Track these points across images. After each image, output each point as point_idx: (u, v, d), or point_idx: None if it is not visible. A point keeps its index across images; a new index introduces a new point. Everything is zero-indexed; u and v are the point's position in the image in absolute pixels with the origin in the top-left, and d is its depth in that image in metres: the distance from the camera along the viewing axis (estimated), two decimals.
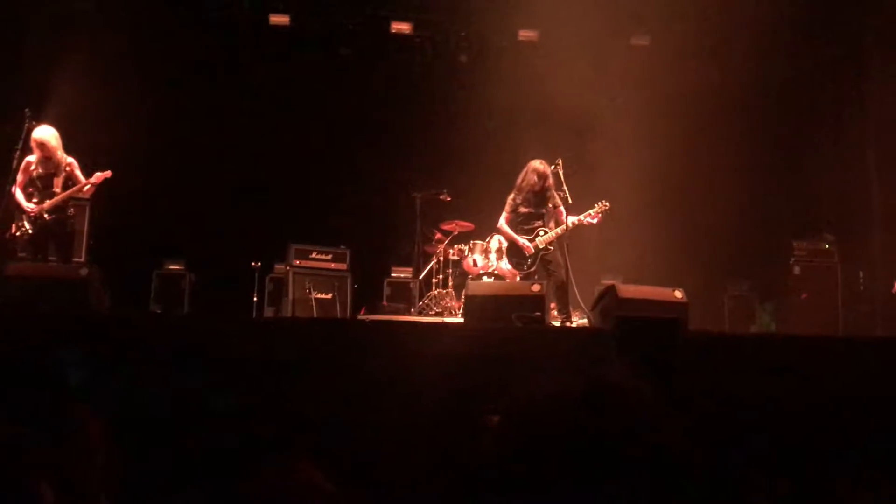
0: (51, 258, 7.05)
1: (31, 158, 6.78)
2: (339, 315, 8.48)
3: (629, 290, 6.25)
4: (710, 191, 9.87)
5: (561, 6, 10.01)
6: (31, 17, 9.21)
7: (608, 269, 9.76)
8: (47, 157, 6.76)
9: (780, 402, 4.95)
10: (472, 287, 6.44)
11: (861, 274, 10.10)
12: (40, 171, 6.81)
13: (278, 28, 10.21)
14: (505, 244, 7.95)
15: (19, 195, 6.78)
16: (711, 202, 9.81)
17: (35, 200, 6.82)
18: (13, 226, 6.82)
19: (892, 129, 9.54)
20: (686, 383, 4.97)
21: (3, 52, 8.99)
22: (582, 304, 7.30)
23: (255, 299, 8.71)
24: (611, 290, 6.24)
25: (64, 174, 6.87)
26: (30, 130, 6.62)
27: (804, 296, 9.12)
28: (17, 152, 6.56)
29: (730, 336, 6.00)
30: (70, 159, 6.93)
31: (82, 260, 7.88)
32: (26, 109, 6.69)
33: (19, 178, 6.82)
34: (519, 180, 7.45)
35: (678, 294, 6.23)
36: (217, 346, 5.31)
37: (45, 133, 6.74)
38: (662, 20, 10.35)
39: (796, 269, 9.18)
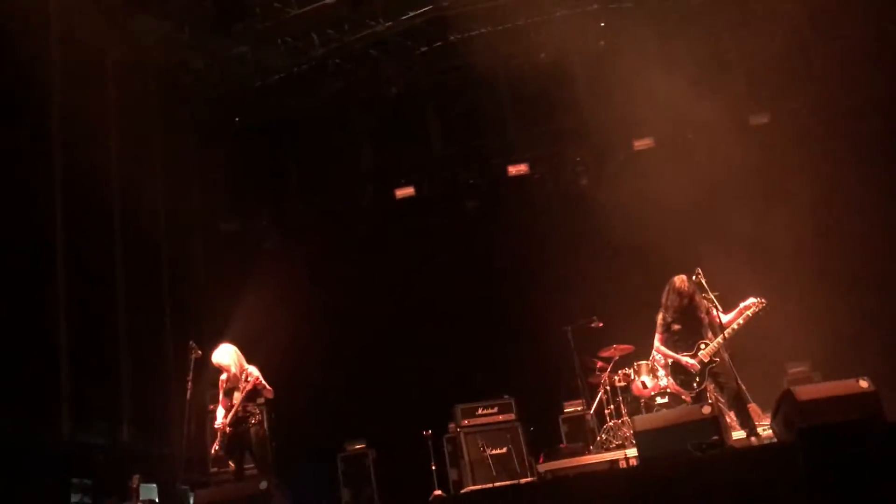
0: (248, 466, 7.42)
1: (223, 377, 7.28)
2: (517, 467, 8.34)
3: (808, 391, 5.82)
4: (880, 253, 9.25)
5: (669, 107, 10.03)
6: (187, 248, 10.23)
7: (794, 357, 9.18)
8: (228, 374, 7.23)
9: None
10: (640, 422, 6.18)
11: None
12: (227, 387, 7.27)
13: (405, 201, 10.77)
14: (670, 360, 7.66)
15: (219, 413, 7.26)
16: (885, 266, 9.18)
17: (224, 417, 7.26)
18: (213, 444, 7.27)
19: None
20: (888, 483, 4.52)
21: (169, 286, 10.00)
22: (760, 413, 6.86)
23: (433, 467, 8.74)
24: (788, 394, 5.84)
25: (244, 385, 7.19)
26: (196, 359, 7.17)
27: None
28: (189, 382, 7.08)
29: None
30: (251, 369, 7.22)
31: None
32: (191, 342, 7.29)
33: (219, 396, 7.32)
34: (664, 299, 7.26)
35: (864, 384, 5.71)
36: None
37: (217, 354, 7.26)
38: (778, 94, 10.12)
39: None
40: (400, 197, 10.79)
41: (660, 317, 7.29)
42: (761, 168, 9.79)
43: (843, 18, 9.37)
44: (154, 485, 8.19)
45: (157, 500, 7.47)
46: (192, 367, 7.16)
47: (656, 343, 7.37)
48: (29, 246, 7.93)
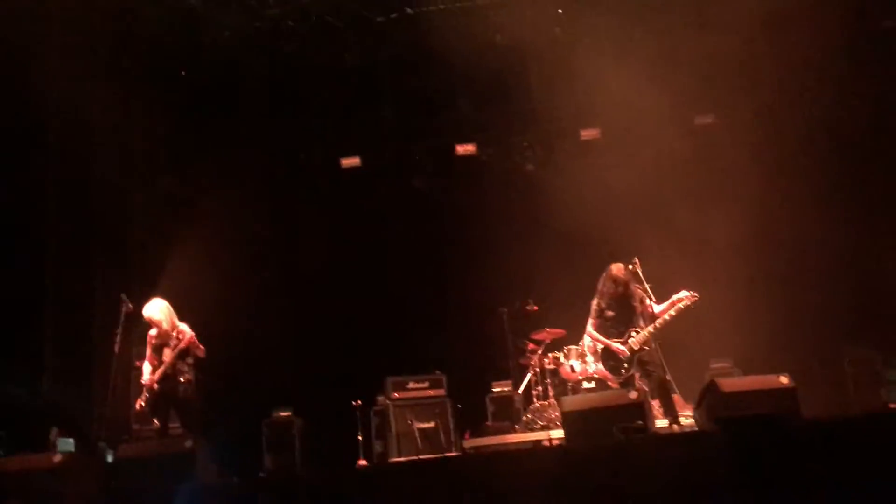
0: (173, 425, 7.31)
1: (152, 332, 7.13)
2: (443, 442, 8.43)
3: (732, 384, 6.03)
4: (810, 256, 9.59)
5: (619, 100, 10.15)
6: (124, 202, 9.96)
7: (717, 352, 9.46)
8: (159, 330, 7.10)
9: None
10: (567, 403, 6.31)
11: None
12: (156, 342, 7.14)
13: (350, 170, 10.68)
14: (600, 346, 7.81)
15: (144, 368, 7.12)
16: (814, 268, 9.53)
17: (151, 373, 7.13)
18: (137, 400, 7.13)
19: None
20: (803, 475, 4.71)
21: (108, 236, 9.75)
22: (684, 404, 7.07)
23: (360, 438, 8.75)
24: (713, 386, 6.03)
25: (174, 342, 7.08)
26: (127, 313, 7.02)
27: None
28: (117, 336, 6.93)
29: (846, 418, 5.65)
30: (183, 327, 7.14)
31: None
32: (122, 294, 7.13)
33: (147, 352, 7.17)
34: (599, 285, 7.40)
35: (784, 380, 5.95)
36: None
37: (149, 308, 7.12)
38: (724, 96, 10.34)
39: None
40: (345, 166, 10.70)
41: (594, 303, 7.43)
42: (703, 167, 10.00)
43: (796, 31, 9.61)
44: (71, 439, 8.01)
45: (76, 453, 7.30)
46: (122, 320, 7.02)
47: (588, 328, 7.51)
48: None
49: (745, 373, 8.87)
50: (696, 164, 9.94)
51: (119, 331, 7.01)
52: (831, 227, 9.61)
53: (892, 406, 8.71)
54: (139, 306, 7.17)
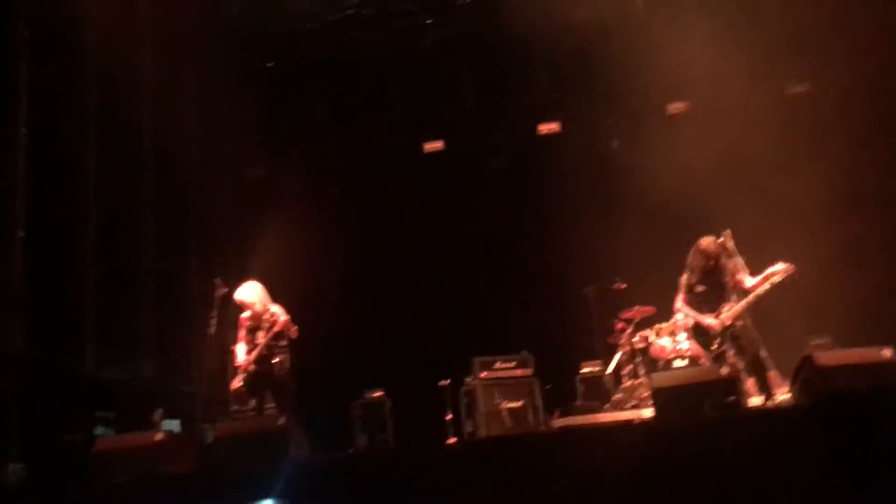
0: (268, 406, 7.53)
1: (244, 315, 7.34)
2: (531, 421, 8.40)
3: (829, 358, 5.77)
4: None
5: (705, 71, 9.88)
6: (215, 188, 10.31)
7: (817, 329, 9.10)
8: (252, 312, 7.29)
9: None
10: (658, 379, 6.18)
11: None
12: (249, 325, 7.34)
13: (434, 154, 10.75)
14: (691, 322, 7.63)
15: (238, 350, 7.34)
16: None
17: (246, 355, 7.34)
18: (233, 382, 7.37)
19: None
20: None
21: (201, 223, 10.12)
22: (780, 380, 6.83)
23: (448, 417, 8.82)
24: (808, 360, 5.80)
25: (268, 324, 7.24)
26: (222, 297, 7.25)
27: None
28: (213, 319, 7.16)
29: None
30: (275, 309, 7.26)
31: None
32: (216, 279, 7.36)
33: (239, 334, 7.39)
34: (689, 260, 7.22)
35: (886, 353, 5.64)
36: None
37: (241, 291, 7.31)
38: (819, 63, 9.92)
39: None
40: (428, 150, 10.77)
41: (684, 278, 7.26)
42: (794, 137, 9.61)
43: None
44: (177, 420, 8.35)
45: (177, 433, 7.62)
46: (216, 304, 7.24)
47: (678, 304, 7.34)
48: (60, 178, 8.03)
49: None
50: (787, 135, 9.55)
51: (214, 314, 7.23)
52: None
53: None
54: (233, 290, 7.39)
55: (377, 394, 9.52)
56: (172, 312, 9.44)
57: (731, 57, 9.49)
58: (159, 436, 5.94)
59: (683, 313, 7.40)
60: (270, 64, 10.54)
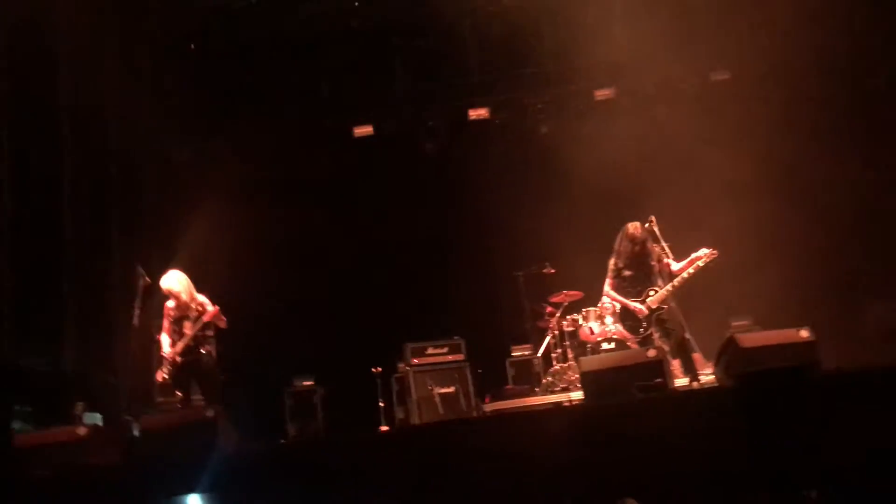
0: (195, 397, 7.38)
1: (170, 304, 7.17)
2: (464, 406, 8.47)
3: (751, 339, 5.96)
4: (830, 210, 9.47)
5: (631, 58, 10.03)
6: (138, 173, 10.00)
7: (737, 311, 9.38)
8: (177, 301, 7.12)
9: None
10: (586, 363, 6.30)
11: None
12: (175, 314, 7.18)
13: (364, 138, 10.63)
14: (618, 306, 7.78)
15: (163, 340, 7.17)
16: (834, 222, 9.41)
17: (171, 345, 7.18)
18: (158, 373, 7.19)
19: None
20: (825, 432, 4.69)
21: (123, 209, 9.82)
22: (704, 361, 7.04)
23: (381, 404, 8.81)
24: (731, 342, 5.98)
25: (195, 315, 7.11)
26: (145, 286, 7.07)
27: None
28: (135, 309, 6.98)
29: (868, 369, 5.59)
30: (202, 298, 7.17)
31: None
32: (138, 267, 7.16)
33: (164, 324, 7.21)
34: (616, 244, 7.36)
35: (804, 333, 5.84)
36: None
37: (167, 280, 7.14)
38: (741, 51, 10.17)
39: None
40: (358, 135, 10.64)
41: (611, 262, 7.39)
42: (718, 123, 9.83)
43: None
44: (98, 414, 8.10)
45: (101, 426, 7.39)
46: (139, 293, 7.06)
47: (606, 288, 7.48)
48: None
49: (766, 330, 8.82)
50: (711, 121, 9.77)
51: (137, 303, 7.05)
52: (851, 180, 9.49)
53: None
54: (156, 279, 7.20)
55: (307, 382, 9.44)
56: (93, 300, 9.12)
57: (656, 44, 9.63)
58: (83, 430, 5.75)
59: (611, 297, 7.54)
60: (194, 43, 10.19)
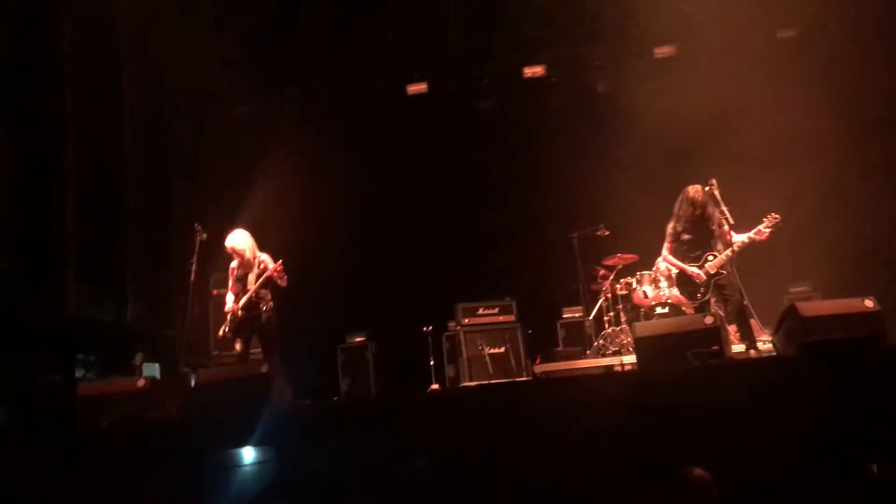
0: (254, 350, 7.52)
1: (234, 264, 7.30)
2: (514, 367, 8.47)
3: (812, 308, 5.78)
4: (890, 179, 9.14)
5: (695, 13, 9.71)
6: (200, 129, 10.11)
7: (797, 277, 9.17)
8: (241, 260, 7.24)
9: None
10: (640, 328, 6.19)
11: None
12: (239, 273, 7.31)
13: (418, 96, 10.54)
14: (674, 270, 7.64)
15: (228, 298, 7.31)
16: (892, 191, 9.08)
17: (235, 302, 7.31)
18: (222, 327, 7.34)
19: None
20: (886, 403, 4.55)
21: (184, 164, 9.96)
22: (762, 329, 6.88)
23: (431, 362, 8.86)
24: (792, 310, 5.81)
25: (258, 271, 7.19)
26: (201, 242, 7.17)
27: None
28: (193, 265, 7.09)
29: None
30: (264, 256, 7.24)
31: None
32: (196, 224, 7.26)
33: (229, 282, 7.36)
34: (676, 208, 7.18)
35: (869, 303, 5.64)
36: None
37: (232, 238, 7.25)
38: (810, 8, 9.78)
39: None
40: (412, 93, 10.56)
41: (670, 226, 7.23)
42: (784, 83, 9.49)
43: None
44: (157, 364, 8.32)
45: (158, 378, 7.59)
46: (196, 249, 7.17)
47: (664, 252, 7.33)
48: (37, 117, 7.84)
49: (825, 296, 8.59)
50: (776, 81, 9.44)
51: (194, 260, 7.16)
52: None
53: None
54: (213, 235, 7.30)
55: (359, 339, 9.54)
56: (153, 255, 9.32)
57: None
58: (142, 381, 5.91)
59: (668, 262, 7.40)
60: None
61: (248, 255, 7.19)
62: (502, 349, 8.58)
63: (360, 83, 10.66)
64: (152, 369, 8.15)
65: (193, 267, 7.11)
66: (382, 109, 10.76)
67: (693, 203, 7.01)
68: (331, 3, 10.36)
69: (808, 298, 8.56)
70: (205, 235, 7.23)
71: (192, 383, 6.27)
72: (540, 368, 8.52)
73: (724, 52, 10.07)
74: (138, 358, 8.10)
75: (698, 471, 3.90)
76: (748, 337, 6.85)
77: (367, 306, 9.98)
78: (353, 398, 8.63)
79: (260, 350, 7.38)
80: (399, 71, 10.61)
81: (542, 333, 9.47)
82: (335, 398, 8.56)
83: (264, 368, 5.75)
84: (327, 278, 9.99)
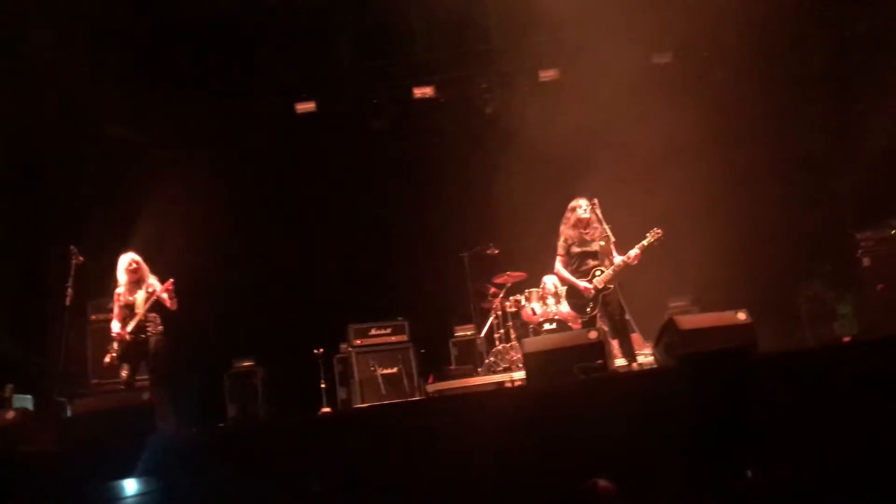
0: (140, 377, 7.23)
1: (119, 289, 7.06)
2: (406, 387, 8.47)
3: (690, 321, 6.08)
4: (763, 196, 9.70)
5: (577, 39, 10.03)
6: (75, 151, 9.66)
7: (676, 291, 9.57)
8: (131, 283, 7.01)
9: (862, 413, 4.73)
10: (529, 344, 6.34)
11: None
12: (126, 297, 7.06)
13: (306, 115, 10.42)
14: (561, 287, 7.83)
15: (114, 324, 7.02)
16: (765, 208, 9.64)
17: (121, 327, 7.03)
18: (107, 354, 7.03)
19: None
20: (762, 412, 4.79)
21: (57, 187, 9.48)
22: (642, 342, 7.14)
23: (322, 385, 8.74)
24: (671, 323, 6.07)
25: (146, 294, 7.02)
26: (77, 265, 6.88)
27: (880, 287, 8.76)
28: (69, 289, 6.79)
29: (803, 352, 5.76)
30: (152, 280, 7.11)
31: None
32: (71, 247, 6.96)
33: (115, 309, 7.09)
34: (563, 225, 7.38)
35: (741, 316, 6.00)
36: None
37: (122, 261, 7.01)
38: (682, 35, 10.29)
39: (865, 261, 8.87)
40: (300, 111, 10.43)
41: (560, 241, 7.41)
42: (660, 103, 9.90)
43: None
44: (29, 396, 7.87)
45: (31, 409, 7.18)
46: (72, 273, 6.86)
47: (557, 265, 7.49)
48: None
49: (704, 311, 9.01)
50: (654, 103, 9.85)
51: (70, 284, 6.85)
52: (788, 168, 9.74)
53: (845, 339, 8.95)
54: (90, 259, 7.01)
55: (247, 363, 9.32)
56: (23, 279, 8.82)
57: (599, 25, 9.64)
58: (10, 413, 5.58)
59: (560, 276, 7.56)
60: (135, 18, 9.80)
61: (134, 277, 7.00)
62: (395, 369, 8.58)
63: (246, 100, 10.41)
64: (24, 401, 7.70)
65: (69, 291, 6.79)
66: (271, 127, 10.56)
67: (578, 219, 7.23)
68: (216, 22, 10.12)
69: (688, 311, 8.97)
70: (81, 258, 6.93)
71: (69, 413, 5.96)
72: (433, 387, 8.56)
73: (603, 76, 10.44)
74: (8, 389, 7.64)
75: (604, 482, 3.96)
76: (629, 351, 7.09)
77: (257, 330, 9.75)
78: (240, 424, 8.41)
79: (147, 377, 7.12)
80: (287, 89, 10.46)
81: (434, 352, 9.52)
82: (221, 425, 8.31)
83: (146, 396, 5.54)
84: (215, 302, 9.69)
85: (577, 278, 7.30)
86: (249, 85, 10.38)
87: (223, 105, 10.39)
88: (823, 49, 10.17)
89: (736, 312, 5.99)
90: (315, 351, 8.80)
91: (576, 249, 7.33)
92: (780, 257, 9.83)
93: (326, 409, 8.37)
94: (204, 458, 5.34)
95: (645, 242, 7.21)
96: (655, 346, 6.32)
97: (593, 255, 7.30)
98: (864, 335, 8.76)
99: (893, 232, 8.96)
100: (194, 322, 8.98)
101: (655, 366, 6.47)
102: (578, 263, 7.33)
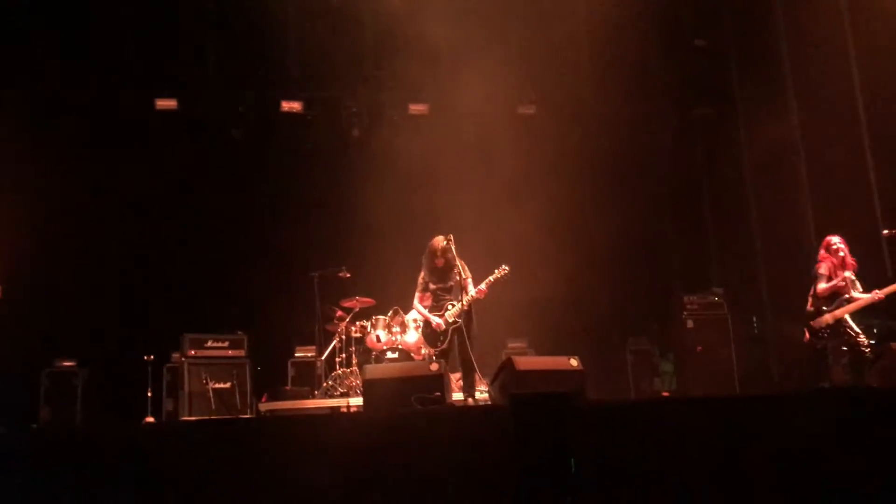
0: None
1: None
2: (238, 403, 8.23)
3: (526, 363, 6.32)
4: (606, 250, 10.20)
5: (448, 79, 10.26)
6: None
7: (516, 333, 9.86)
8: None
9: (681, 466, 5.04)
10: (370, 371, 6.34)
11: (755, 319, 10.59)
12: None
13: (166, 112, 10.03)
14: (419, 318, 7.92)
15: None
16: (603, 263, 10.14)
17: None
18: None
19: (768, 176, 10.27)
20: (584, 454, 5.00)
21: None
22: (482, 380, 7.31)
23: (149, 394, 8.34)
24: (508, 363, 6.27)
25: None
26: None
27: (699, 349, 9.42)
28: None
29: (626, 403, 6.09)
30: None
31: None
32: None
33: None
34: (424, 259, 7.52)
35: (573, 362, 6.32)
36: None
37: None
38: (547, 89, 10.77)
39: (689, 323, 9.52)
40: (160, 108, 10.03)
41: (420, 276, 7.55)
42: (520, 155, 10.26)
43: (617, 34, 10.20)
44: None
45: None
46: None
47: (415, 300, 7.64)
48: None
49: (537, 353, 9.38)
50: (515, 150, 10.20)
51: None
52: (628, 226, 10.34)
53: (665, 394, 9.55)
54: None
55: (69, 363, 8.79)
56: None
57: (473, 68, 9.92)
58: None
59: (417, 310, 7.65)
60: None
61: None
62: (228, 384, 8.33)
63: (101, 87, 9.86)
64: None
65: None
66: (125, 120, 10.06)
67: (435, 254, 7.37)
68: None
69: (524, 353, 9.29)
70: None
71: None
72: (265, 406, 8.36)
73: (471, 118, 10.73)
74: None
75: None
76: (469, 387, 7.22)
77: (85, 329, 9.18)
78: (53, 426, 7.89)
79: None
80: (148, 82, 10.02)
81: (272, 371, 9.31)
82: (32, 426, 7.76)
83: None
84: (41, 293, 9.07)
85: (433, 313, 7.43)
86: (106, 70, 9.87)
87: (74, 87, 9.80)
88: (673, 124, 10.99)
89: (569, 358, 6.29)
90: (145, 357, 8.39)
91: (433, 286, 7.48)
92: (613, 312, 10.41)
93: (150, 419, 7.99)
94: (6, 459, 4.96)
95: (492, 278, 7.41)
96: (491, 384, 6.49)
97: (449, 289, 7.47)
98: (680, 393, 9.39)
99: (716, 298, 9.67)
100: (17, 316, 8.38)
101: (490, 402, 6.62)
102: (435, 299, 7.49)
